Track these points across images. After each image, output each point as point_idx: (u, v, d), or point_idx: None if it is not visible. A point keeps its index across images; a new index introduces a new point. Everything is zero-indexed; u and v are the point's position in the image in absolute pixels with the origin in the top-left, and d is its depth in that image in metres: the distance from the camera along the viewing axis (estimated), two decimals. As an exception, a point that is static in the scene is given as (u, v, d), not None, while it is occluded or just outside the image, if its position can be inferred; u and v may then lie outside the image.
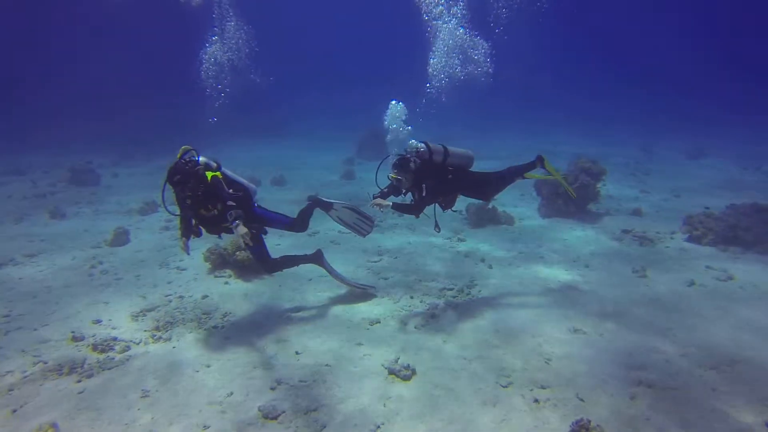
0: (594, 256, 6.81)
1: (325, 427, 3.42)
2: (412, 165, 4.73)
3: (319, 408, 3.62)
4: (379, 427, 3.41)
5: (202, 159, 4.63)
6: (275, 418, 3.51)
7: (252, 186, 5.08)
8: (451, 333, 4.73)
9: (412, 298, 5.56)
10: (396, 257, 6.89)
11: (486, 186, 5.32)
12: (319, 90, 36.97)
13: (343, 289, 5.73)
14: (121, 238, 7.87)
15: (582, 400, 3.59)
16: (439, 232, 5.21)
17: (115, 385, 3.95)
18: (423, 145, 4.82)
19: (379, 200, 4.77)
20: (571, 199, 8.89)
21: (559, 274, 6.20)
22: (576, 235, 7.93)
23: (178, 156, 4.53)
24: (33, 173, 14.02)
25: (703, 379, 3.88)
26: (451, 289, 5.80)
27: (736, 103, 29.61)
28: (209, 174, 4.50)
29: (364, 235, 5.70)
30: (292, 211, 5.57)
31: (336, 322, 4.98)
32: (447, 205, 5.15)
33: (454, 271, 6.38)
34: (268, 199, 10.73)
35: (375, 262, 6.72)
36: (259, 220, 4.99)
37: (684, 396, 3.66)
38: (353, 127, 21.24)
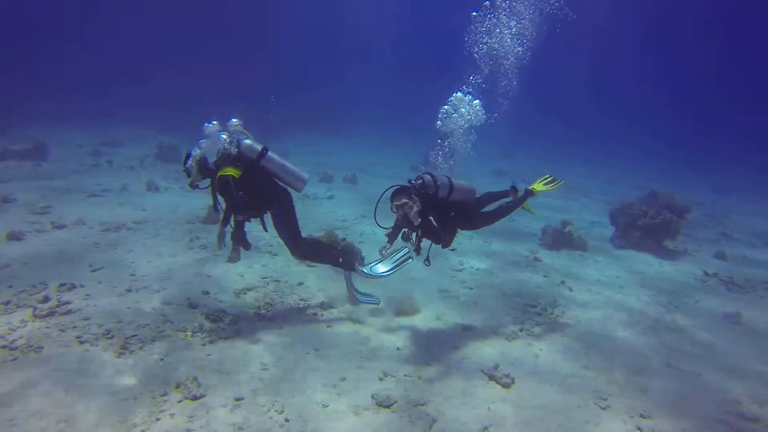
0: (677, 294, 6.75)
1: (435, 421, 3.66)
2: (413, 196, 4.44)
3: (428, 402, 3.87)
4: (486, 428, 3.62)
5: (246, 142, 4.54)
6: (388, 406, 3.78)
7: (302, 175, 4.85)
8: (542, 349, 4.88)
9: (498, 310, 5.74)
10: (478, 269, 7.08)
11: (481, 223, 5.19)
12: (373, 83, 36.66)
13: (437, 295, 5.97)
14: (213, 217, 8.42)
15: (692, 436, 3.66)
16: (429, 265, 4.71)
17: (236, 354, 4.34)
18: (429, 177, 4.53)
19: (387, 248, 4.84)
20: (649, 233, 8.81)
21: (641, 306, 6.19)
22: (655, 270, 7.85)
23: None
24: (122, 146, 15.07)
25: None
26: (534, 307, 5.93)
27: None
28: (225, 172, 4.40)
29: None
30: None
31: (431, 324, 5.23)
32: (446, 242, 4.78)
33: (534, 290, 6.50)
34: (341, 197, 11.16)
35: (458, 270, 6.94)
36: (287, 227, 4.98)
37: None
38: (411, 127, 21.42)
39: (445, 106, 6.33)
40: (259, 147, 4.58)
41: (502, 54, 7.46)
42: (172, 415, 3.46)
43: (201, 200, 9.58)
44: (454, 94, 6.32)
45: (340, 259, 5.19)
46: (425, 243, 4.70)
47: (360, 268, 5.19)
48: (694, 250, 9.04)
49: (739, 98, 44.78)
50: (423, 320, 5.31)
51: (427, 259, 4.67)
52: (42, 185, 9.29)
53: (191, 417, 3.46)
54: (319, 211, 9.68)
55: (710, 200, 14.72)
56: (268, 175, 4.72)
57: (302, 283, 6.02)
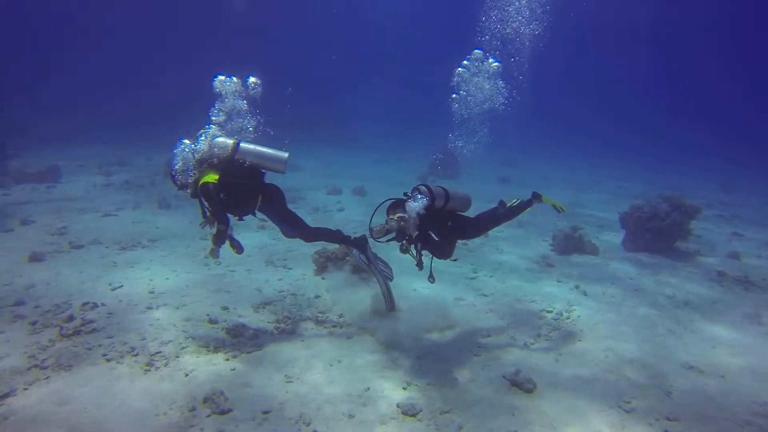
0: (693, 296, 6.74)
1: (461, 428, 3.68)
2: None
3: (453, 410, 3.89)
4: (513, 435, 3.64)
5: (217, 140, 4.50)
6: (414, 415, 3.81)
7: (280, 156, 4.67)
8: (562, 353, 4.90)
9: (514, 316, 5.77)
10: (491, 275, 7.11)
11: (480, 230, 5.20)
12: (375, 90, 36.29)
13: (453, 303, 6.00)
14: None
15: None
16: (433, 282, 4.68)
17: (262, 368, 4.37)
18: (425, 188, 4.46)
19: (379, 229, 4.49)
20: (659, 235, 8.81)
21: (657, 309, 6.20)
22: (668, 272, 7.85)
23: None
24: (132, 165, 15.25)
25: None
26: (550, 312, 5.95)
27: None
28: (201, 180, 4.43)
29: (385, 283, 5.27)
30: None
31: (449, 332, 5.26)
32: (446, 254, 4.66)
33: (548, 295, 6.52)
34: (352, 209, 11.23)
35: (471, 278, 6.97)
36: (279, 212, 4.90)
37: None
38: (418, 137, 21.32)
39: (460, 69, 5.87)
40: (230, 142, 4.54)
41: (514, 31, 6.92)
42: (201, 429, 3.51)
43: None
44: (474, 52, 5.82)
45: (351, 237, 5.15)
46: (426, 259, 4.61)
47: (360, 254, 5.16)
48: (707, 251, 9.02)
49: (741, 96, 44.85)
50: (443, 330, 5.32)
51: (431, 276, 4.60)
52: (57, 206, 9.43)
53: (221, 431, 3.50)
54: (331, 225, 9.73)
55: (718, 200, 14.69)
56: (248, 168, 4.64)
57: (319, 296, 6.07)
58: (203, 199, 4.51)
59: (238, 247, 4.70)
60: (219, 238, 4.57)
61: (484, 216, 5.15)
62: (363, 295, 5.92)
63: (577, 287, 6.84)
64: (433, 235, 4.32)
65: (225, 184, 4.47)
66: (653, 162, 23.77)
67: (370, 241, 4.91)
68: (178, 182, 4.62)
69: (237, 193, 4.58)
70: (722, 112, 41.19)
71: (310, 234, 5.13)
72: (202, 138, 4.61)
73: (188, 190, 4.66)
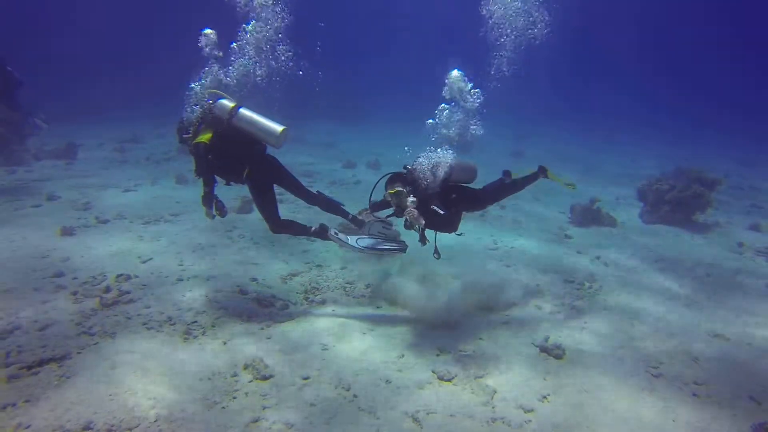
0: (714, 267, 6.77)
1: (496, 392, 3.80)
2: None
3: (486, 375, 4.01)
4: (545, 397, 3.76)
5: (219, 102, 4.42)
6: (450, 380, 3.92)
7: (272, 128, 4.41)
8: (587, 321, 4.99)
9: (538, 285, 5.85)
10: (512, 247, 7.17)
11: (487, 201, 5.13)
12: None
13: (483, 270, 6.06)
14: (246, 206, 8.58)
15: (759, 402, 3.73)
16: (438, 258, 4.58)
17: (295, 336, 4.49)
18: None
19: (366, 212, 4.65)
20: (678, 207, 8.80)
21: (678, 279, 6.25)
22: (687, 243, 7.87)
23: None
24: (146, 141, 15.26)
25: None
26: (572, 282, 6.02)
27: None
28: (198, 139, 4.35)
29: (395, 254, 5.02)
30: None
31: (477, 302, 5.33)
32: (451, 228, 4.59)
33: (570, 266, 6.58)
34: (367, 182, 11.23)
35: (493, 249, 7.03)
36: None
37: None
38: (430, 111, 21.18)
39: None
40: (230, 105, 4.40)
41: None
42: (246, 393, 3.64)
43: (232, 191, 9.73)
44: None
45: (312, 228, 4.98)
46: (430, 233, 4.53)
47: (333, 233, 4.91)
48: (726, 223, 9.01)
49: (754, 69, 43.65)
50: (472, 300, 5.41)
51: (436, 252, 4.54)
52: (79, 183, 9.52)
53: (264, 395, 3.63)
54: (348, 197, 9.76)
55: (736, 173, 14.54)
56: (243, 135, 4.45)
57: (345, 267, 6.16)
58: (194, 158, 4.49)
59: (220, 209, 4.67)
60: (204, 199, 4.57)
61: (489, 188, 5.08)
62: (389, 266, 6.00)
63: (597, 258, 6.90)
64: (437, 209, 4.15)
65: (215, 147, 4.38)
66: (669, 138, 23.39)
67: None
68: (181, 137, 4.60)
69: (224, 158, 4.45)
70: (737, 89, 40.16)
71: (279, 226, 4.91)
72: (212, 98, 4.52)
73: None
